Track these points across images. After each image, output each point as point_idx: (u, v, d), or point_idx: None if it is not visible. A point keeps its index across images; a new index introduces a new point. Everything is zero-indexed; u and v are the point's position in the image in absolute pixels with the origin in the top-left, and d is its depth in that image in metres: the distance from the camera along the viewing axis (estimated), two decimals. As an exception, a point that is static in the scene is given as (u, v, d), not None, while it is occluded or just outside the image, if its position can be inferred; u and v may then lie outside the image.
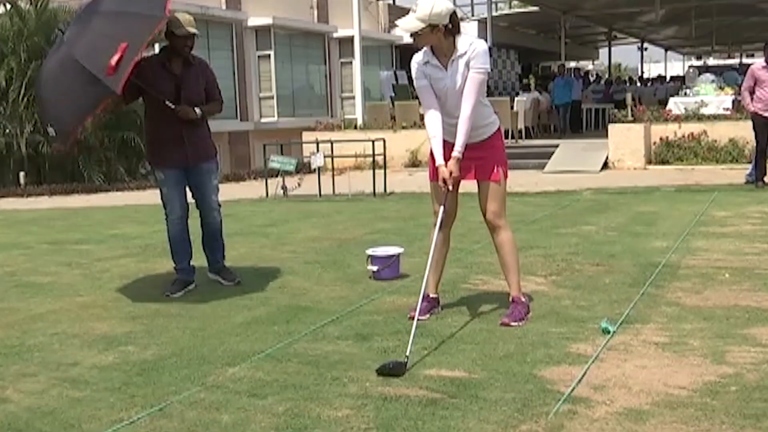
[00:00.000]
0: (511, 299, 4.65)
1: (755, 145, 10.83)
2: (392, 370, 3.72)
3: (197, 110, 5.57)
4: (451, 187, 4.52)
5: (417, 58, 4.55)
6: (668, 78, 28.24)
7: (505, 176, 4.64)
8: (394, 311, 4.89)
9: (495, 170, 4.59)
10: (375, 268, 5.78)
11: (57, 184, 14.99)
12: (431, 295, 4.78)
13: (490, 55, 21.59)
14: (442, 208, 4.59)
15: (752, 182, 10.75)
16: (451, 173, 4.46)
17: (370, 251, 5.91)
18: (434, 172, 4.62)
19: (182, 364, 4.01)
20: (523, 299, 4.67)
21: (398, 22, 4.44)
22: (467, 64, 4.41)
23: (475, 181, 4.65)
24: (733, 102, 14.64)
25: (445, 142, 4.50)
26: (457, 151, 4.44)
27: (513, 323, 4.47)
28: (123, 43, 4.87)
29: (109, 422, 3.28)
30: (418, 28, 4.34)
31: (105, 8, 5.35)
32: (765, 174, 10.65)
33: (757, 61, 10.71)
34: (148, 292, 5.69)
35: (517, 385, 3.52)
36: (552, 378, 3.60)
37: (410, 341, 3.95)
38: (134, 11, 5.25)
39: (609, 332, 4.22)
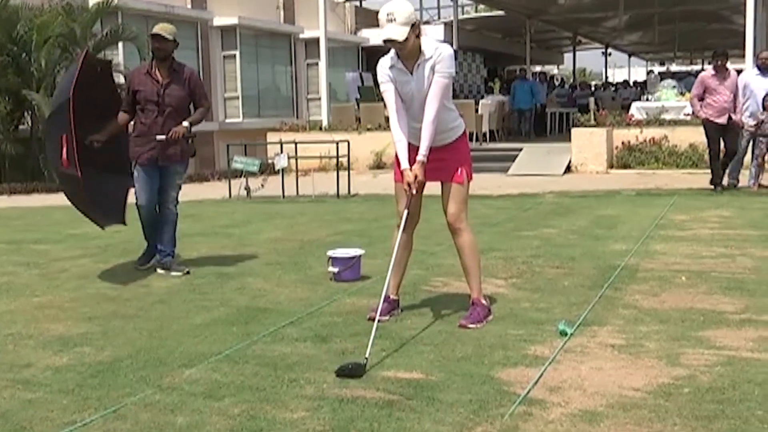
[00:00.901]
0: (471, 301, 4.66)
1: (708, 151, 11.03)
2: (351, 371, 3.72)
3: (185, 124, 6.15)
4: (415, 191, 4.53)
5: (383, 62, 4.56)
6: (631, 83, 28.55)
7: (469, 178, 4.66)
8: (354, 313, 4.88)
9: (458, 172, 4.61)
10: (336, 270, 5.77)
11: (17, 183, 14.76)
12: (392, 297, 4.78)
13: (456, 59, 21.68)
14: (406, 210, 4.59)
15: (734, 186, 10.96)
16: (415, 177, 4.47)
17: (330, 253, 5.89)
18: (399, 174, 4.63)
19: (138, 365, 3.97)
20: (484, 302, 4.69)
21: (383, 35, 4.40)
22: (433, 68, 4.42)
23: (439, 182, 4.67)
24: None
25: (410, 145, 4.52)
26: (421, 155, 4.45)
27: (471, 325, 4.48)
28: (61, 135, 5.68)
29: (62, 424, 3.23)
30: (406, 32, 4.34)
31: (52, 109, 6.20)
32: (721, 179, 10.85)
33: (707, 69, 10.94)
34: (106, 293, 5.62)
35: (473, 386, 3.53)
36: (509, 380, 3.62)
37: (370, 342, 3.94)
38: (56, 103, 6.20)
39: (566, 334, 4.25)
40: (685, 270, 5.84)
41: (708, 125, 10.73)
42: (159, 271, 6.30)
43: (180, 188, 6.44)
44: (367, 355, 3.85)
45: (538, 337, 4.27)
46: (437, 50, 4.45)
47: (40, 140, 15.82)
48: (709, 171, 11.12)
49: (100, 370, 3.90)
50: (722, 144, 10.76)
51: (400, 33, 4.33)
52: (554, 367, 3.78)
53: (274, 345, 4.26)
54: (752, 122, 10.82)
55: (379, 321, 4.27)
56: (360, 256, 5.87)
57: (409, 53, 4.45)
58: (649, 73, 26.91)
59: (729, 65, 10.86)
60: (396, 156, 4.62)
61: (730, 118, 10.59)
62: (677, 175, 13.03)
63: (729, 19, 26.79)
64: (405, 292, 5.25)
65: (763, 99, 10.74)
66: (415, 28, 4.39)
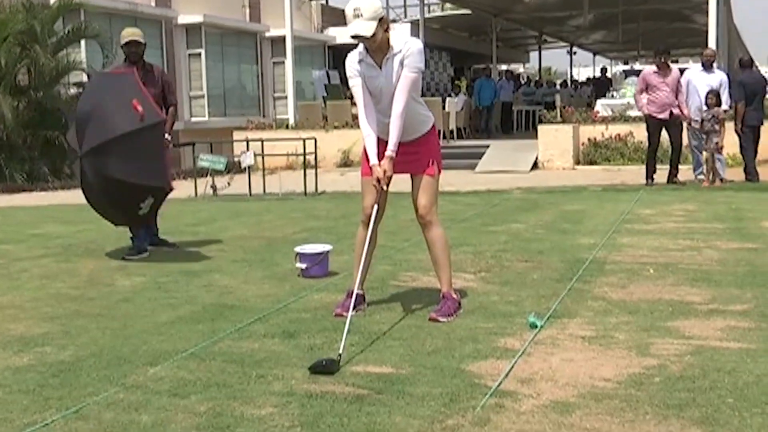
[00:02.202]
0: (441, 295, 4.63)
1: (647, 145, 11.24)
2: (325, 368, 3.66)
3: (167, 137, 6.76)
4: (384, 187, 4.49)
5: (351, 57, 4.51)
6: (584, 81, 28.85)
7: (439, 171, 4.63)
8: (322, 309, 4.82)
9: (429, 164, 4.58)
10: (303, 266, 5.71)
11: (-23, 185, 14.50)
12: (357, 292, 4.73)
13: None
14: (376, 205, 4.54)
15: (701, 180, 11.13)
16: (384, 172, 4.42)
17: (298, 249, 5.83)
18: (367, 169, 4.59)
19: (101, 364, 3.87)
20: (454, 295, 4.65)
21: (351, 30, 4.34)
22: (401, 63, 4.39)
23: (409, 175, 4.63)
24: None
25: (379, 140, 4.48)
26: (390, 150, 4.41)
27: (442, 318, 4.45)
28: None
29: (22, 425, 3.13)
30: (374, 27, 4.29)
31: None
32: (654, 172, 11.22)
33: (648, 67, 11.19)
34: (69, 293, 5.50)
35: (444, 380, 3.49)
36: (479, 372, 3.58)
37: (343, 338, 3.89)
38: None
39: (536, 326, 4.23)
40: (652, 262, 5.86)
41: (650, 120, 11.11)
42: (167, 249, 7.04)
43: None
44: (340, 351, 3.79)
45: (508, 329, 4.24)
46: (406, 44, 4.42)
47: (1, 140, 15.56)
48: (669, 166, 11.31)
49: (62, 370, 3.80)
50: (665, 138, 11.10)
51: (367, 28, 4.29)
52: (525, 359, 3.75)
53: (241, 342, 4.19)
54: (697, 118, 11.01)
55: (343, 316, 4.28)
56: (328, 251, 5.81)
57: (377, 48, 4.41)
58: (602, 70, 26.99)
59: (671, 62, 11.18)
60: (364, 151, 4.57)
61: (671, 113, 10.79)
62: (643, 170, 13.08)
63: (691, 19, 27.12)
64: (373, 287, 5.23)
65: (706, 96, 10.92)
66: (383, 22, 4.35)
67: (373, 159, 4.47)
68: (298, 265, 5.73)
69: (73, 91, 16.74)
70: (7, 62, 15.18)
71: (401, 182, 4.66)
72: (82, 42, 17.61)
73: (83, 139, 6.33)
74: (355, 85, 4.51)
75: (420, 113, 4.58)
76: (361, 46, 4.47)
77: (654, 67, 11.01)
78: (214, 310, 4.87)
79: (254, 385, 3.51)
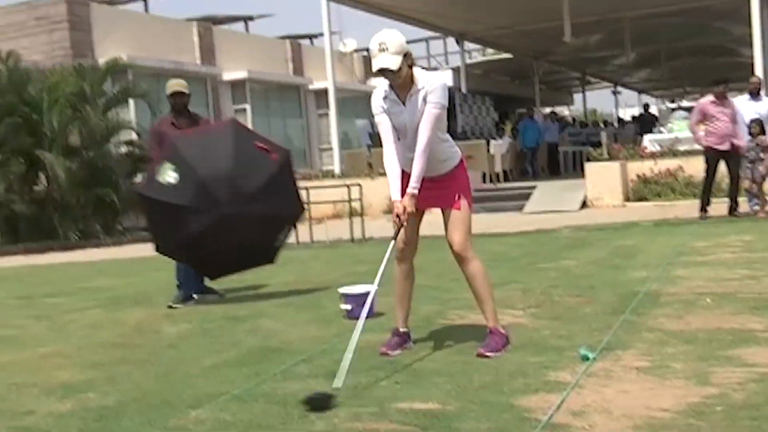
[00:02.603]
0: (488, 330, 4.50)
1: (704, 177, 10.90)
2: (321, 404, 3.56)
3: None
4: (405, 223, 4.41)
5: (376, 93, 4.48)
6: (629, 119, 28.57)
7: (469, 206, 4.53)
8: (367, 349, 4.70)
9: (457, 198, 4.49)
10: (349, 307, 5.62)
11: (32, 243, 14.75)
12: (401, 330, 4.64)
13: (466, 101, 21.63)
14: (393, 241, 4.52)
15: (755, 211, 10.89)
16: (404, 209, 4.36)
17: (342, 290, 5.75)
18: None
19: (144, 408, 3.81)
20: (502, 330, 4.52)
21: (376, 64, 4.32)
22: (425, 99, 4.34)
23: (440, 211, 4.55)
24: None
25: (404, 173, 4.42)
26: (412, 188, 4.35)
27: (489, 353, 4.31)
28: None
29: (62, 470, 3.08)
30: (399, 62, 4.26)
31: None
32: (709, 204, 10.89)
33: (706, 98, 10.91)
34: (114, 341, 5.48)
35: (492, 414, 3.36)
36: (530, 406, 3.44)
37: (344, 373, 3.77)
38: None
39: (588, 359, 4.07)
40: (709, 293, 5.65)
41: (709, 153, 10.74)
42: (212, 297, 7.09)
43: None
44: (339, 385, 3.69)
45: (559, 363, 4.09)
46: (429, 80, 4.37)
47: (55, 200, 15.90)
48: (727, 199, 11.01)
49: (104, 415, 3.75)
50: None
51: (393, 62, 4.26)
52: (577, 391, 3.60)
53: (284, 383, 4.10)
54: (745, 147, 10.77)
55: (392, 355, 4.23)
56: (373, 292, 5.70)
57: (402, 84, 4.38)
58: (645, 106, 26.57)
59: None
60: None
61: (732, 144, 10.51)
62: (696, 204, 12.78)
63: (736, 52, 26.81)
64: (420, 326, 5.13)
65: (749, 124, 10.68)
66: (407, 57, 4.32)
67: (396, 195, 4.42)
68: (343, 306, 5.65)
69: (123, 149, 17.06)
70: (59, 124, 15.53)
71: (433, 220, 4.59)
72: (131, 101, 18.02)
73: (220, 196, 6.40)
74: (381, 122, 4.47)
75: (445, 149, 4.51)
76: (385, 83, 4.44)
77: (711, 97, 10.73)
78: (259, 353, 4.80)
79: (296, 425, 3.41)
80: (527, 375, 3.91)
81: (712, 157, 10.77)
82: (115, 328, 5.98)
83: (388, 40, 4.28)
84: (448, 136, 4.58)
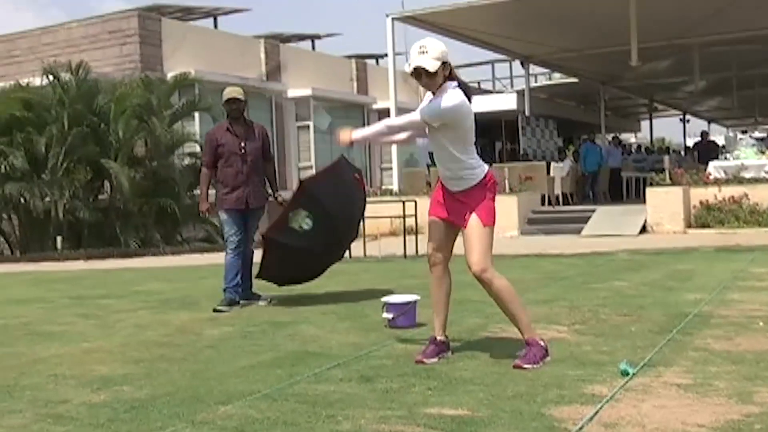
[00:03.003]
0: (525, 342, 4.41)
1: None
2: None
3: (279, 198, 7.34)
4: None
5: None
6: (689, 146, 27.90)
7: (485, 225, 4.41)
8: (405, 356, 4.67)
9: (466, 216, 4.41)
10: (390, 316, 5.58)
11: (94, 249, 15.07)
12: (438, 338, 4.58)
13: (528, 124, 21.40)
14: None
15: None
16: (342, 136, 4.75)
17: (385, 299, 5.71)
18: (435, 208, 4.56)
19: (174, 402, 3.82)
20: (541, 342, 4.42)
21: (413, 63, 4.32)
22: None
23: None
24: (774, 166, 14.31)
25: (444, 187, 4.53)
26: (356, 133, 4.79)
27: (526, 365, 4.22)
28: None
29: (87, 456, 3.10)
30: (437, 66, 4.27)
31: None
32: None
33: None
34: (157, 340, 5.54)
35: (522, 422, 3.27)
36: (561, 417, 3.34)
37: None
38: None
39: (628, 374, 3.95)
40: (763, 316, 5.45)
41: None
42: (260, 303, 7.11)
43: (258, 229, 7.38)
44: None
45: (598, 377, 3.97)
46: (444, 91, 4.35)
47: (117, 209, 16.24)
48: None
49: (135, 407, 3.77)
50: None
51: (431, 64, 4.25)
52: (612, 404, 3.49)
53: (316, 385, 4.07)
54: None
55: (427, 363, 4.33)
56: (415, 302, 5.66)
57: (436, 92, 4.36)
58: (703, 134, 25.68)
59: None
60: (434, 191, 4.65)
61: None
62: (761, 233, 12.44)
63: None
64: (462, 338, 5.09)
65: None
66: (446, 66, 4.31)
67: (364, 132, 5.07)
68: (385, 315, 5.61)
69: (186, 161, 17.35)
70: (125, 134, 15.89)
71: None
72: (196, 114, 18.34)
73: (343, 236, 7.38)
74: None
75: (462, 168, 4.44)
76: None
77: None
78: (295, 357, 4.79)
79: (322, 424, 3.38)
80: (563, 387, 3.81)
81: None
82: (159, 328, 6.04)
83: (430, 45, 4.30)
84: (469, 156, 4.47)
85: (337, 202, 7.04)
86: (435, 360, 4.46)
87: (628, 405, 3.47)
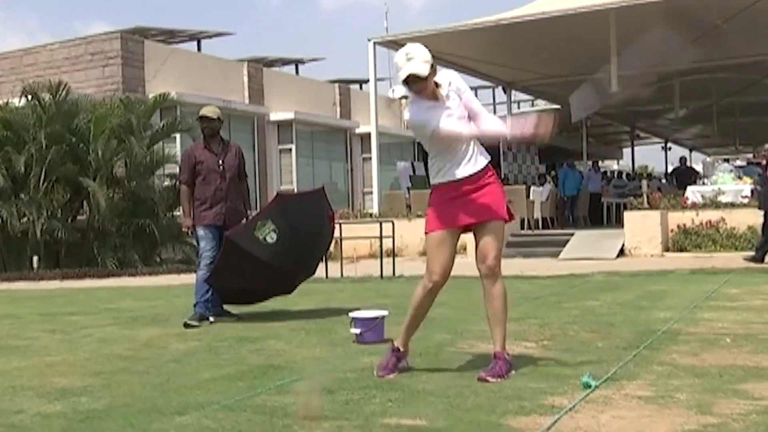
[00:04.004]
0: (493, 355, 4.37)
1: None
2: None
3: (248, 215, 7.35)
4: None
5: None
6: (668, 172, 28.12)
7: (506, 219, 4.47)
8: (369, 370, 4.61)
9: (488, 209, 4.39)
10: (358, 331, 5.54)
11: (70, 269, 14.95)
12: (401, 349, 4.53)
13: (510, 149, 21.44)
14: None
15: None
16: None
17: (353, 314, 5.68)
18: (435, 224, 4.42)
19: (131, 413, 3.76)
20: (507, 357, 4.39)
21: (407, 70, 4.24)
22: (457, 92, 4.41)
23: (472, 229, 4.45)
24: (752, 191, 14.42)
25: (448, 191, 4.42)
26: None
27: (492, 379, 4.18)
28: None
29: (35, 464, 3.04)
30: (428, 69, 4.25)
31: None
32: None
33: None
34: (122, 354, 5.48)
35: (478, 432, 3.24)
36: (519, 427, 3.31)
37: None
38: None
39: (590, 386, 3.92)
40: (730, 333, 5.44)
41: None
42: (212, 319, 6.97)
43: None
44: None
45: (560, 389, 3.94)
46: (447, 78, 4.40)
47: (96, 229, 16.14)
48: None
49: (90, 417, 3.71)
50: None
51: (422, 68, 4.24)
52: (571, 415, 3.46)
53: (277, 397, 4.02)
54: None
55: (384, 377, 4.33)
56: (383, 317, 5.63)
57: (429, 94, 4.35)
58: (682, 159, 25.78)
59: None
60: (430, 205, 4.46)
61: None
62: (737, 257, 12.48)
63: (791, 111, 26.32)
64: (429, 353, 5.06)
65: None
66: (433, 68, 4.30)
67: None
68: (353, 330, 5.57)
69: (166, 183, 17.29)
70: (104, 154, 15.83)
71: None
72: (177, 136, 18.32)
73: (298, 261, 7.20)
74: None
75: (473, 143, 4.44)
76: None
77: None
78: (259, 370, 4.74)
79: (277, 434, 3.33)
80: (524, 399, 3.78)
81: None
82: (125, 342, 5.98)
83: (414, 50, 4.27)
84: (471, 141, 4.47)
85: (305, 227, 7.07)
86: (394, 375, 4.41)
87: (586, 416, 3.45)
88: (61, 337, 6.36)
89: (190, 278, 11.10)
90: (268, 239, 6.79)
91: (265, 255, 6.83)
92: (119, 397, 4.10)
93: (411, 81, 4.30)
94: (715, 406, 3.52)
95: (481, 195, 4.40)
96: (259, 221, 6.86)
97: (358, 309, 7.21)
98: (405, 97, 27.76)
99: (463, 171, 4.41)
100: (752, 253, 11.72)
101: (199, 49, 23.42)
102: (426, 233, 4.50)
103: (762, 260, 11.46)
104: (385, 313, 5.69)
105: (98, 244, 15.81)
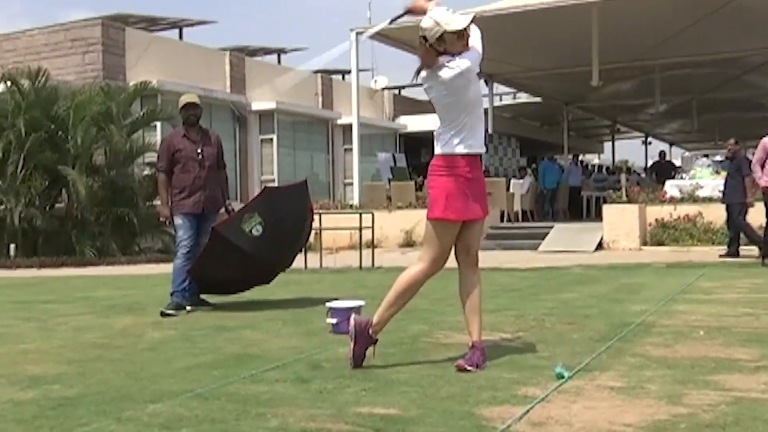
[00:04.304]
0: (471, 344, 4.38)
1: (765, 221, 10.50)
2: None
3: (228, 204, 7.42)
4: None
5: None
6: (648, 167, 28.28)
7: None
8: (344, 360, 4.61)
9: (485, 201, 4.49)
10: (334, 321, 5.54)
11: (48, 258, 14.84)
12: (375, 337, 4.47)
13: (491, 142, 21.47)
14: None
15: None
16: None
17: (329, 304, 5.68)
18: (458, 208, 4.31)
19: (103, 400, 3.75)
20: (483, 346, 4.40)
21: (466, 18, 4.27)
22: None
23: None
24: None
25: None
26: None
27: (470, 367, 4.19)
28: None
29: (5, 450, 3.02)
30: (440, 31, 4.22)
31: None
32: None
33: None
34: (96, 342, 5.45)
35: (450, 421, 3.25)
36: (491, 416, 3.33)
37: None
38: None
39: (563, 377, 3.94)
40: (704, 326, 5.49)
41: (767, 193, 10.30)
42: (189, 308, 6.96)
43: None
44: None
45: (533, 380, 3.97)
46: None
47: (74, 217, 16.02)
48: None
49: (62, 404, 3.69)
50: None
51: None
52: (543, 405, 3.48)
53: (251, 385, 4.02)
54: None
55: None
56: (360, 307, 5.63)
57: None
58: (661, 154, 25.96)
59: None
60: (451, 191, 4.29)
61: None
62: (713, 251, 12.59)
63: (767, 107, 26.53)
64: (404, 343, 5.06)
65: None
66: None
67: None
68: (329, 320, 5.57)
69: (146, 171, 17.18)
70: (83, 142, 15.71)
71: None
72: (158, 125, 18.20)
73: (280, 251, 7.29)
74: None
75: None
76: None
77: None
78: (235, 359, 4.73)
79: (250, 422, 3.33)
80: (497, 389, 3.80)
81: None
82: (100, 331, 5.95)
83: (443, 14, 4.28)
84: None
85: (288, 220, 7.15)
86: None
87: (558, 406, 3.47)
88: (35, 325, 6.32)
89: (168, 267, 11.01)
90: (254, 232, 6.84)
91: (249, 247, 6.88)
92: (92, 385, 4.09)
93: (467, 29, 4.26)
94: (686, 397, 3.55)
95: (483, 184, 4.46)
96: (246, 214, 6.91)
97: (335, 299, 7.23)
98: (386, 88, 27.72)
99: (482, 144, 4.41)
100: (726, 249, 11.82)
101: (180, 37, 23.25)
102: (444, 220, 4.32)
103: (737, 254, 11.54)
104: (361, 303, 5.70)
105: (77, 232, 15.69)
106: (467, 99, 4.32)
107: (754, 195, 11.28)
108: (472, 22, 4.29)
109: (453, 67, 4.26)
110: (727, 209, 11.79)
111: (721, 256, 11.64)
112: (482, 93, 4.45)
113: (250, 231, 6.85)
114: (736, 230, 11.59)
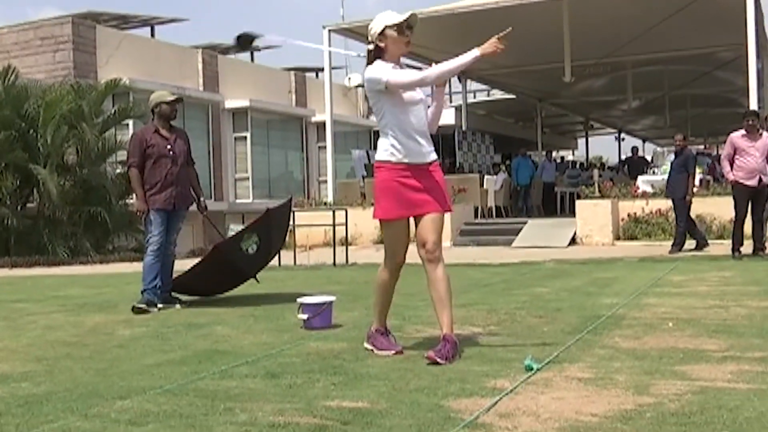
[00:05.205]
0: (442, 337, 4.39)
1: (734, 215, 10.62)
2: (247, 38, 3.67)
3: (202, 200, 7.47)
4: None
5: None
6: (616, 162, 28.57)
7: (448, 210, 4.65)
8: (315, 355, 4.63)
9: (441, 197, 4.51)
10: (305, 317, 5.53)
11: (20, 257, 14.69)
12: (384, 328, 4.76)
13: (465, 138, 21.54)
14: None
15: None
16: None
17: (301, 300, 5.67)
18: (400, 210, 4.45)
19: (71, 397, 3.72)
20: (455, 339, 4.42)
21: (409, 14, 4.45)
22: None
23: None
24: (701, 180, 14.67)
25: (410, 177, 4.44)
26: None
27: (441, 360, 4.20)
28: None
29: (-32, 448, 2.99)
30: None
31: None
32: (741, 245, 10.42)
33: (737, 131, 10.55)
34: (66, 340, 5.41)
35: (418, 413, 3.26)
36: (459, 408, 3.34)
37: None
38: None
39: (532, 369, 3.96)
40: (673, 318, 5.54)
41: (737, 188, 10.33)
42: (177, 306, 7.02)
43: (180, 230, 7.46)
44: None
45: (502, 372, 3.98)
46: None
47: (46, 216, 15.86)
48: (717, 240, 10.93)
49: (29, 401, 3.66)
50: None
51: None
52: (511, 397, 3.50)
53: (220, 381, 4.01)
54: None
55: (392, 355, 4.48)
56: (331, 302, 5.63)
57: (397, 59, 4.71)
58: (633, 149, 26.13)
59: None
60: (392, 188, 4.44)
61: (760, 180, 10.21)
62: (685, 245, 12.70)
63: (737, 102, 26.79)
64: (375, 338, 5.04)
65: None
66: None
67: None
68: (300, 315, 5.56)
69: (119, 170, 17.04)
70: (54, 140, 15.56)
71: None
72: (130, 123, 18.06)
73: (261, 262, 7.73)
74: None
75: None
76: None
77: (742, 131, 10.36)
78: (205, 355, 4.71)
79: (218, 417, 3.31)
80: (466, 381, 3.81)
81: (740, 192, 10.32)
82: (70, 329, 5.91)
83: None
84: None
85: (276, 237, 7.67)
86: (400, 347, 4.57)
87: (526, 397, 3.49)
88: (4, 324, 6.25)
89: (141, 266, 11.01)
90: (249, 250, 7.25)
91: (243, 264, 7.33)
92: (61, 383, 4.05)
93: (412, 23, 4.46)
94: (653, 387, 3.58)
95: (437, 180, 4.53)
96: (246, 233, 7.34)
97: (307, 295, 7.22)
98: (360, 85, 27.72)
99: (429, 156, 4.52)
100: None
101: (152, 35, 23.08)
102: (386, 220, 4.52)
103: (681, 248, 11.84)
104: (332, 298, 5.69)
105: (49, 232, 15.54)
106: (383, 107, 4.51)
107: (696, 193, 11.68)
108: (409, 18, 4.47)
109: (375, 69, 4.49)
110: (674, 203, 12.22)
111: (670, 252, 11.74)
112: (425, 103, 4.52)
113: (247, 249, 7.22)
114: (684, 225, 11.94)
